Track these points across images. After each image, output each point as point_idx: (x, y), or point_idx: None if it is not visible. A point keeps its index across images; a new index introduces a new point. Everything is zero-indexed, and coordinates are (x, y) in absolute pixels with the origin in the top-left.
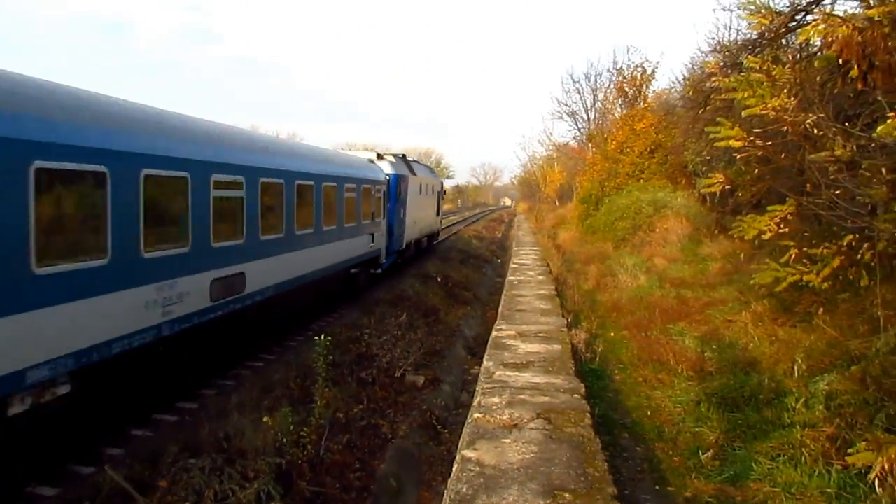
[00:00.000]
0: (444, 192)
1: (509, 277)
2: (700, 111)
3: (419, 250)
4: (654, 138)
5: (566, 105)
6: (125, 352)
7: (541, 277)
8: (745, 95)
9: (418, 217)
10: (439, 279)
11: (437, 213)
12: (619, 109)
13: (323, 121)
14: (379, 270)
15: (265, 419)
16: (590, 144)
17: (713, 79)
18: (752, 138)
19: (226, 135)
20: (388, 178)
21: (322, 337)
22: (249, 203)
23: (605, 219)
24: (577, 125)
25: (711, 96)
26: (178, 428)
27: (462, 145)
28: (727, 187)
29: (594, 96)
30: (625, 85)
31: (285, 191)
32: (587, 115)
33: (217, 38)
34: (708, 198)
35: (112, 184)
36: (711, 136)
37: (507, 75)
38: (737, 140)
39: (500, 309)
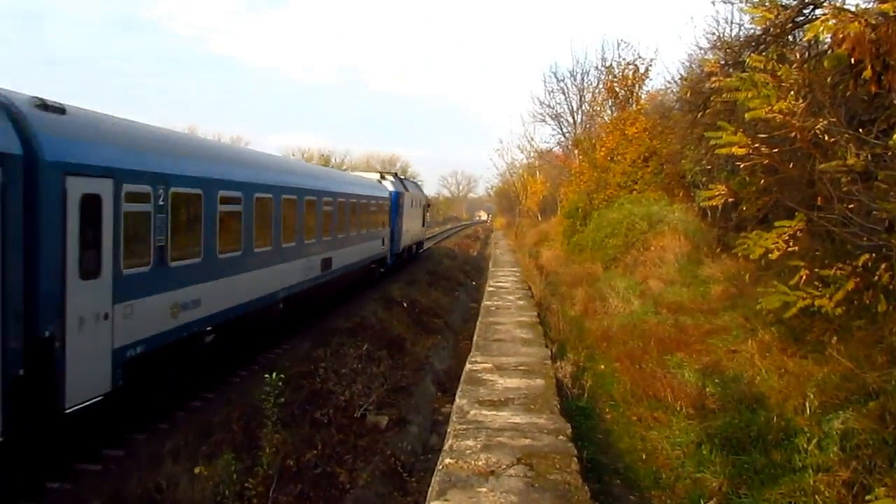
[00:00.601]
0: (429, 205)
1: (485, 302)
2: (699, 114)
3: (410, 255)
4: (648, 145)
5: (549, 107)
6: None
7: (521, 302)
8: (749, 97)
9: (410, 227)
10: (405, 304)
11: (423, 224)
12: (608, 112)
13: (273, 124)
14: (383, 269)
15: (198, 470)
16: (576, 151)
17: (713, 79)
18: (756, 145)
19: (285, 164)
20: (390, 194)
21: (273, 375)
22: (332, 212)
23: (594, 235)
24: (561, 129)
25: (711, 98)
26: (102, 479)
27: (431, 152)
28: (729, 200)
29: (581, 97)
30: (615, 84)
31: (345, 206)
32: (573, 117)
33: (149, 27)
34: (709, 212)
35: (205, 203)
36: (712, 142)
37: (481, 73)
38: (740, 147)
39: (474, 338)
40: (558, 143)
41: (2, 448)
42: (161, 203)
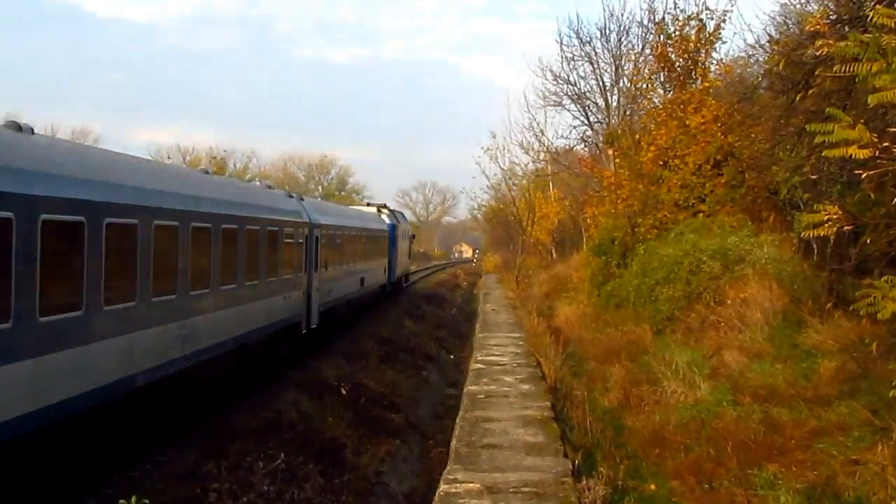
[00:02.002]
0: (414, 236)
1: (470, 387)
2: (797, 97)
3: (400, 285)
4: (721, 142)
5: (568, 83)
6: None
7: (525, 387)
8: (874, 71)
9: (401, 259)
10: (344, 390)
11: (409, 256)
12: (659, 92)
13: (142, 111)
14: (385, 290)
15: None
16: (610, 152)
17: (818, 42)
18: (885, 144)
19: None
20: (388, 227)
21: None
22: (344, 243)
23: (639, 282)
24: (587, 118)
25: (816, 72)
26: None
27: (386, 154)
28: (846, 228)
29: (616, 68)
30: (668, 49)
31: (364, 240)
32: (605, 99)
33: None
34: (814, 246)
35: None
36: (817, 139)
37: (463, 31)
38: (861, 147)
39: (453, 443)
40: (583, 140)
41: None
42: None
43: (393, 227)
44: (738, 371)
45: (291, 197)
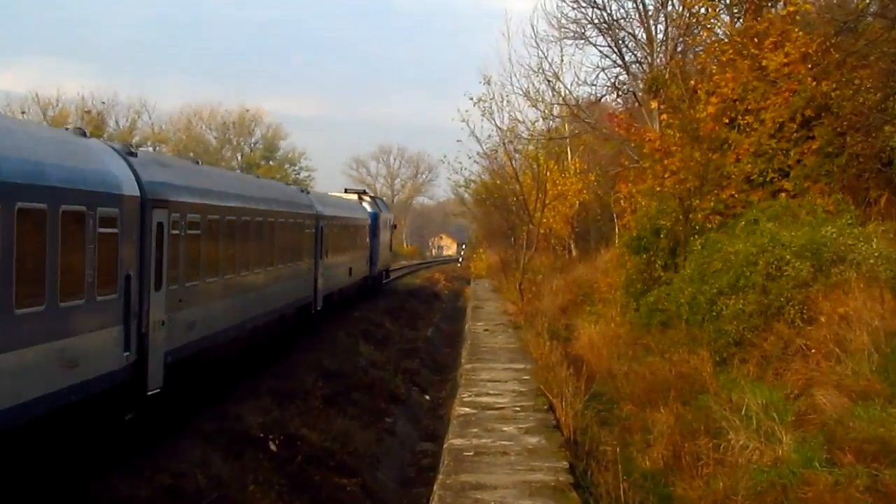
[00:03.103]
0: (395, 225)
1: (454, 441)
2: None
3: (381, 279)
4: (812, 92)
5: (595, 4)
6: None
7: (532, 440)
8: None
9: (382, 251)
10: (274, 444)
11: (391, 248)
12: (724, 19)
13: None
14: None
15: None
16: (654, 105)
17: None
18: None
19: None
20: (370, 215)
21: None
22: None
23: (694, 291)
24: (621, 57)
25: None
26: None
27: (332, 110)
28: None
29: None
30: None
31: (351, 230)
32: (646, 28)
33: None
34: None
35: None
36: None
37: None
38: None
39: None
40: (614, 88)
41: None
42: None
43: (375, 216)
44: (836, 418)
45: (303, 192)
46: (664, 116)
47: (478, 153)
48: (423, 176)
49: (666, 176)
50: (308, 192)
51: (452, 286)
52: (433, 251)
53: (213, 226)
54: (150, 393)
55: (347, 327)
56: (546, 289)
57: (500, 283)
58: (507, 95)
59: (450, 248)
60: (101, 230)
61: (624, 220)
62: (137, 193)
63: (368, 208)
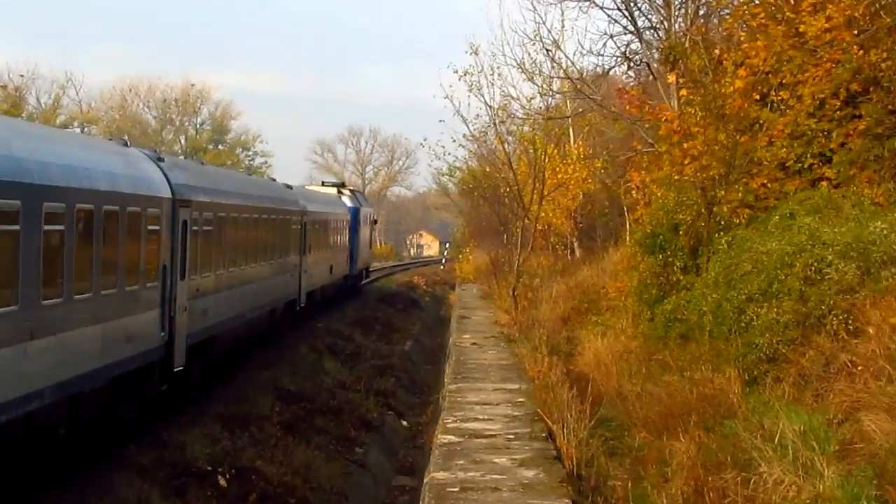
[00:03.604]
0: (376, 221)
1: (437, 475)
2: None
3: (361, 279)
4: (859, 62)
5: None
6: None
7: (528, 473)
8: None
9: (362, 248)
10: (224, 479)
11: (371, 245)
12: None
13: None
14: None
15: None
16: (671, 78)
17: None
18: None
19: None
20: (349, 210)
21: None
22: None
23: (719, 297)
24: (632, 19)
25: None
26: None
27: (292, 85)
28: None
29: None
30: None
31: (331, 226)
32: None
33: None
34: None
35: None
36: None
37: None
38: None
39: None
40: (625, 58)
41: None
42: None
43: (355, 212)
44: (888, 448)
45: (288, 188)
46: (683, 92)
47: (464, 135)
48: (400, 162)
49: (686, 162)
50: (292, 188)
51: (434, 291)
52: (411, 251)
53: (222, 223)
54: (175, 370)
55: (309, 341)
56: (544, 295)
57: (491, 288)
58: (498, 68)
59: (431, 247)
60: (150, 227)
61: (636, 213)
62: (170, 195)
63: (348, 203)
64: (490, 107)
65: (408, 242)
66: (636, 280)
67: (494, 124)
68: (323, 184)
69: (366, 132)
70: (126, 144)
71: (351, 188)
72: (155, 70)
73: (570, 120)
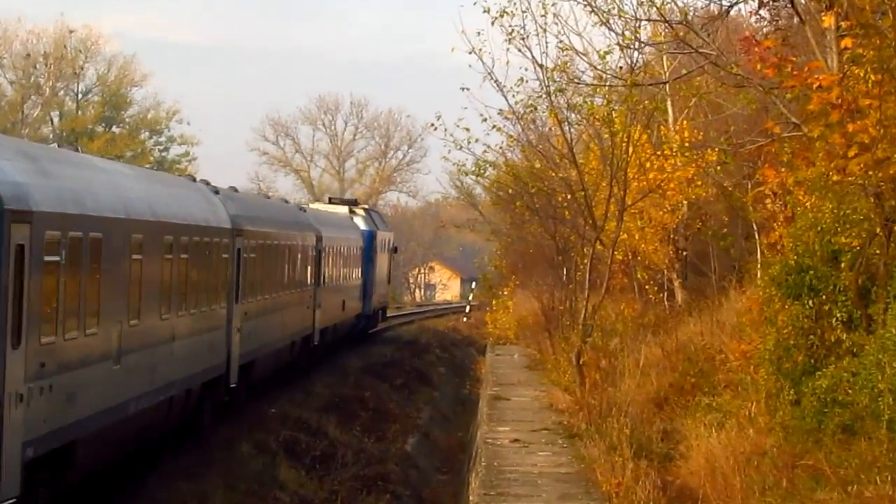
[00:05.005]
0: (396, 248)
1: None
2: None
3: (377, 321)
4: None
5: None
6: None
7: None
8: None
9: (378, 282)
10: None
11: (389, 279)
12: None
13: None
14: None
15: None
16: (828, 22)
17: None
18: None
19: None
20: (364, 235)
21: None
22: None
23: None
24: None
25: None
26: None
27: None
28: None
29: None
30: None
31: (344, 254)
32: None
33: None
34: None
35: None
36: None
37: None
38: None
39: None
40: None
41: None
42: None
43: (370, 236)
44: None
45: (301, 210)
46: (847, 42)
47: (499, 112)
48: (399, 154)
49: (851, 154)
50: (305, 210)
51: (452, 356)
52: (417, 292)
53: (262, 250)
54: (231, 386)
55: (258, 434)
56: (627, 364)
57: (542, 352)
58: (553, 5)
59: (447, 286)
60: (223, 255)
61: (772, 235)
62: (230, 226)
63: (362, 225)
64: (541, 66)
65: (411, 279)
66: (772, 340)
67: (548, 94)
68: (330, 201)
69: (345, 106)
70: (194, 180)
71: (365, 206)
72: (14, 7)
73: (667, 87)
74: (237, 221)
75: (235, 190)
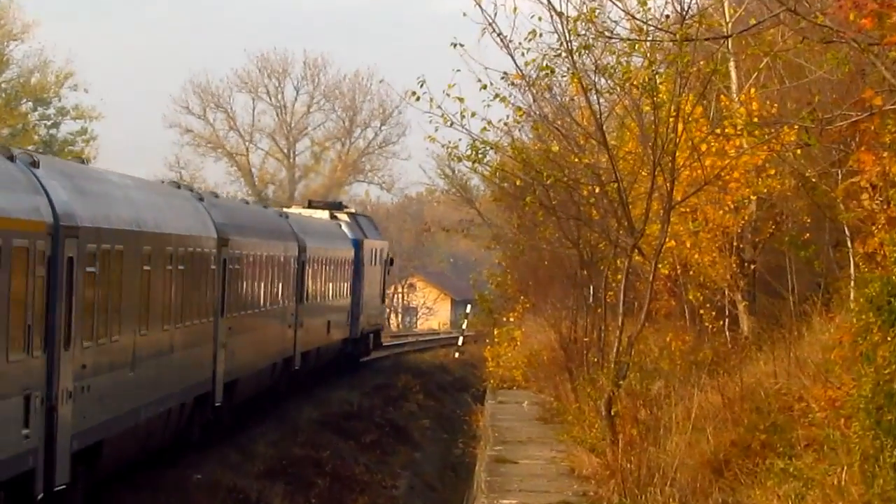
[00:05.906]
0: (392, 260)
1: None
2: None
3: (367, 347)
4: None
5: None
6: None
7: None
8: None
9: (368, 300)
10: None
11: (382, 297)
12: None
13: None
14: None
15: None
16: None
17: None
18: None
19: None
20: (352, 243)
21: None
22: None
23: None
24: None
25: None
26: None
27: None
28: None
29: None
30: None
31: (329, 267)
32: None
33: None
34: None
35: None
36: None
37: None
38: None
39: None
40: None
41: None
42: None
43: (357, 245)
44: None
45: (281, 216)
46: None
47: (504, 76)
48: (369, 133)
49: None
50: (287, 217)
51: (440, 407)
52: (393, 317)
53: (245, 261)
54: (216, 405)
55: None
56: (675, 415)
57: (560, 399)
58: None
59: (433, 311)
60: (211, 267)
61: (871, 242)
62: (216, 235)
63: (349, 233)
64: (560, 15)
65: (385, 301)
66: (870, 384)
67: (570, 52)
68: (310, 204)
69: (296, 69)
70: (178, 186)
71: (351, 210)
72: None
73: (729, 43)
74: (223, 230)
75: (216, 195)
